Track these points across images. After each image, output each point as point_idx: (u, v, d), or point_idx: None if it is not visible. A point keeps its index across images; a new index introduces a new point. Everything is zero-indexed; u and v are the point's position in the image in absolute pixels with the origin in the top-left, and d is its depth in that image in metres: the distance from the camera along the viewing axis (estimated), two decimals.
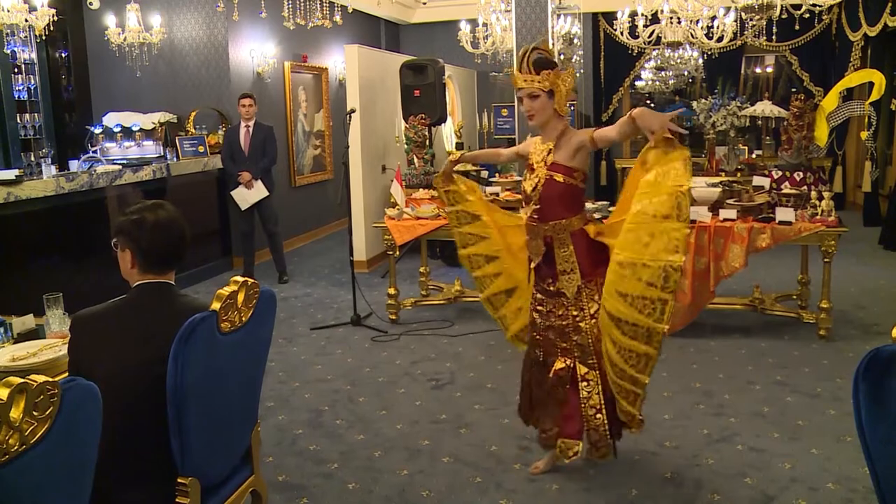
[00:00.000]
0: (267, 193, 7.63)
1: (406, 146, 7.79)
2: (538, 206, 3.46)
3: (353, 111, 6.74)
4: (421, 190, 6.67)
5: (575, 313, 3.50)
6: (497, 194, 6.35)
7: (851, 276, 7.15)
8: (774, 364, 5.13)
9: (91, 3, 7.40)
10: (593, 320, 3.46)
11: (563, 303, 3.52)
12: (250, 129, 7.61)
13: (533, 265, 3.63)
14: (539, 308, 3.62)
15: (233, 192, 7.57)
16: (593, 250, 3.47)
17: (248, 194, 7.55)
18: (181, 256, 2.51)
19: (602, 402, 3.50)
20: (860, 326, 5.84)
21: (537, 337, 3.64)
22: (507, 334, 4.08)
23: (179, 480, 2.34)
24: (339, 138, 10.48)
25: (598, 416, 3.50)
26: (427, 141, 7.61)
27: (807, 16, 6.46)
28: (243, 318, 2.46)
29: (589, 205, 6.11)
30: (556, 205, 3.43)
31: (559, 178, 3.39)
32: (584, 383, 3.51)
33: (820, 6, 6.15)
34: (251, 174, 7.51)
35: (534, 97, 3.34)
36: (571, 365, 3.53)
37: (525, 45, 3.42)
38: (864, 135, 9.55)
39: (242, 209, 7.60)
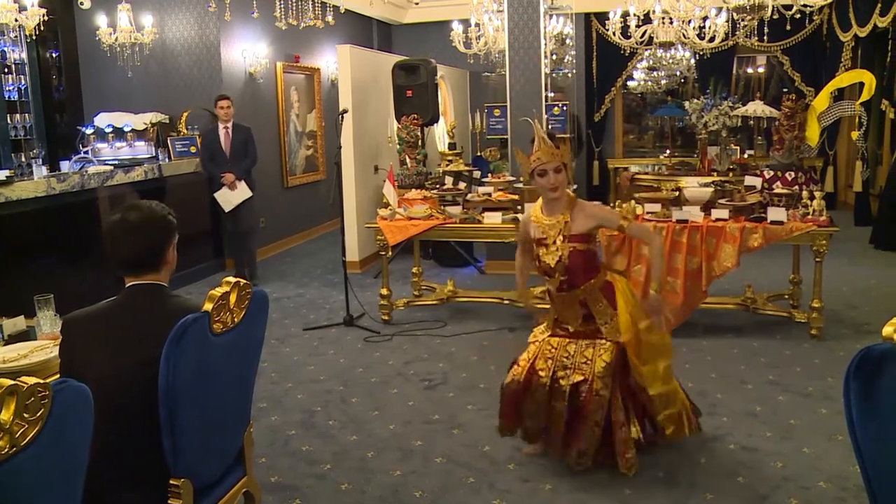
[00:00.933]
0: (250, 194, 7.60)
1: (398, 146, 7.79)
2: (565, 278, 3.64)
3: (345, 111, 6.73)
4: (413, 190, 6.67)
5: (607, 345, 3.65)
6: (489, 194, 6.35)
7: (843, 276, 7.18)
8: (766, 363, 5.15)
9: (82, 3, 7.37)
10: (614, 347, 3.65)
11: (594, 340, 3.68)
12: (230, 131, 7.57)
13: (571, 329, 3.74)
14: (555, 350, 3.72)
15: (216, 194, 7.51)
16: (613, 298, 3.69)
17: (232, 195, 7.50)
18: (141, 261, 2.44)
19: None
20: (851, 326, 5.86)
21: (559, 362, 3.68)
22: None
23: (172, 482, 2.33)
24: (331, 139, 10.48)
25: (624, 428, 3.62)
26: (419, 141, 7.63)
27: (798, 16, 6.47)
28: (235, 319, 2.46)
29: None
30: (582, 270, 3.64)
31: (581, 247, 3.61)
32: (599, 396, 3.59)
33: (811, 7, 6.17)
34: (235, 175, 7.48)
35: (559, 171, 3.56)
36: (591, 382, 3.60)
37: (534, 122, 3.71)
38: (854, 135, 9.59)
39: (226, 211, 7.55)
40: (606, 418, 3.59)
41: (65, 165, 7.22)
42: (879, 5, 8.88)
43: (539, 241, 3.70)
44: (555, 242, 3.63)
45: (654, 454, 3.86)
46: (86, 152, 7.66)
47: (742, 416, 4.32)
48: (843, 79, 7.85)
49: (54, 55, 8.81)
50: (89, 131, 7.94)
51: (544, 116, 7.76)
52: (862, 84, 6.71)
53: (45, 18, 6.63)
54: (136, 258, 2.43)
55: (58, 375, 2.41)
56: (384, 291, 6.28)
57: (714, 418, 4.30)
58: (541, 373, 3.68)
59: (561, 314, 3.77)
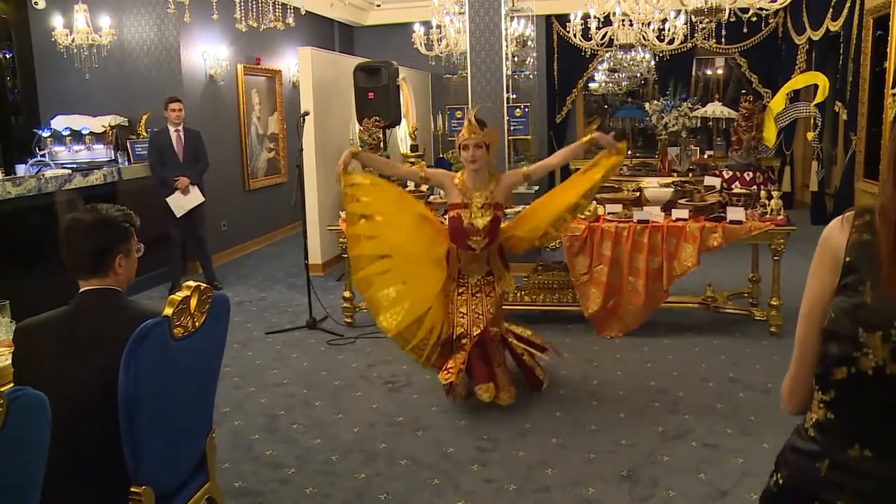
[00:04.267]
0: (203, 199, 7.46)
1: (360, 149, 7.76)
2: (488, 239, 4.39)
3: (306, 114, 6.70)
4: None
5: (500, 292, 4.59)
6: None
7: (800, 274, 7.24)
8: (727, 361, 5.22)
9: (36, 3, 7.25)
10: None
11: (493, 295, 4.52)
12: (181, 135, 7.44)
13: (473, 281, 4.52)
14: (467, 304, 4.50)
15: (169, 199, 7.31)
16: (505, 256, 4.60)
17: (185, 200, 7.35)
18: (88, 264, 2.40)
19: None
20: None
21: (473, 322, 4.46)
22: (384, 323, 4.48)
23: (133, 489, 2.30)
24: (293, 141, 10.40)
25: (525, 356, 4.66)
26: (381, 143, 7.61)
27: (754, 19, 6.58)
28: (196, 324, 2.43)
29: None
30: (496, 234, 4.44)
31: (500, 213, 4.44)
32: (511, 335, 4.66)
33: (766, 10, 6.28)
34: (189, 179, 7.37)
35: (479, 147, 4.27)
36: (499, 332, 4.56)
37: (468, 109, 4.32)
38: (810, 135, 9.77)
39: (178, 216, 7.37)
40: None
41: (20, 169, 7.08)
42: (831, 10, 9.06)
43: (458, 205, 4.37)
44: (481, 209, 4.33)
45: (616, 452, 3.90)
46: (42, 156, 7.51)
47: (703, 413, 4.38)
48: (799, 81, 8.00)
49: (8, 56, 8.65)
50: (46, 134, 7.80)
51: (505, 118, 7.79)
52: (816, 86, 6.84)
53: None
54: (82, 259, 2.40)
55: (12, 384, 2.36)
56: (347, 294, 6.26)
57: (676, 416, 4.35)
58: (458, 335, 4.46)
59: (466, 268, 4.50)
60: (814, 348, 1.54)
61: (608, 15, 8.00)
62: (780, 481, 1.57)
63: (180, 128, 7.43)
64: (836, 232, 1.49)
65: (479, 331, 4.43)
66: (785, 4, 6.20)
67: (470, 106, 7.66)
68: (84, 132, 7.85)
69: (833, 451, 1.46)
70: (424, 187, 6.85)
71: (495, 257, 4.52)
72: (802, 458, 1.53)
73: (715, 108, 9.04)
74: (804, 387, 1.60)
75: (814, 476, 1.48)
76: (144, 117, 8.42)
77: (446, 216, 4.59)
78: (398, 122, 8.70)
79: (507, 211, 5.99)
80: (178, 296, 2.35)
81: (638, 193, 6.26)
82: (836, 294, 1.43)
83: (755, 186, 6.15)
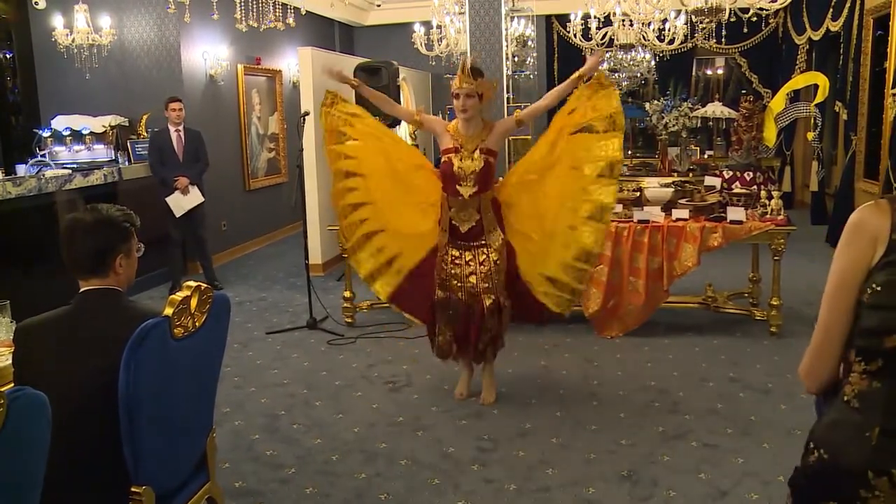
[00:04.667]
0: (203, 199, 7.46)
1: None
2: (477, 186, 4.31)
3: (307, 114, 6.70)
4: None
5: (496, 258, 4.40)
6: None
7: (800, 274, 7.30)
8: (727, 361, 5.22)
9: (37, 3, 7.24)
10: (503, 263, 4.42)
11: (485, 252, 4.41)
12: (181, 134, 7.44)
13: (463, 230, 4.40)
14: (458, 262, 4.44)
15: (168, 199, 7.31)
16: (499, 210, 4.46)
17: (184, 200, 7.35)
18: (88, 264, 2.40)
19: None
20: (809, 323, 5.91)
21: (458, 285, 4.43)
22: (361, 273, 4.74)
23: (133, 489, 2.30)
24: (293, 141, 10.40)
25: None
26: None
27: (754, 19, 6.58)
28: (197, 324, 2.43)
29: None
30: (488, 181, 4.35)
31: (491, 160, 4.33)
32: (505, 307, 4.45)
33: (766, 10, 6.28)
34: (189, 179, 7.37)
35: (470, 97, 4.23)
36: (496, 298, 4.40)
37: (464, 56, 4.18)
38: (810, 135, 9.77)
39: (177, 216, 7.36)
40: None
41: (21, 169, 7.08)
42: (831, 10, 9.06)
43: (449, 150, 4.36)
44: (472, 154, 4.30)
45: (617, 452, 3.90)
46: (43, 156, 7.51)
47: (704, 413, 4.38)
48: (799, 81, 8.00)
49: (8, 56, 8.65)
50: (46, 134, 7.80)
51: (505, 117, 7.77)
52: (817, 86, 6.84)
53: None
54: (82, 259, 2.40)
55: (12, 384, 2.36)
56: (347, 294, 6.26)
57: (676, 416, 4.35)
58: (458, 293, 4.44)
59: (456, 216, 4.40)
60: (841, 324, 1.62)
61: (608, 15, 8.00)
62: (825, 457, 1.59)
63: (180, 128, 7.42)
64: (872, 216, 1.58)
65: (461, 298, 4.42)
66: (785, 4, 6.21)
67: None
68: (84, 132, 7.84)
69: (884, 419, 1.50)
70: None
71: (487, 208, 4.40)
72: (847, 430, 1.56)
73: (715, 108, 9.03)
74: (828, 363, 1.67)
75: (864, 446, 1.51)
76: (145, 117, 8.42)
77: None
78: (398, 123, 8.68)
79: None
80: (179, 296, 2.35)
81: (638, 193, 6.26)
82: (878, 270, 1.54)
83: (755, 186, 6.15)
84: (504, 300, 4.45)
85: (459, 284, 4.43)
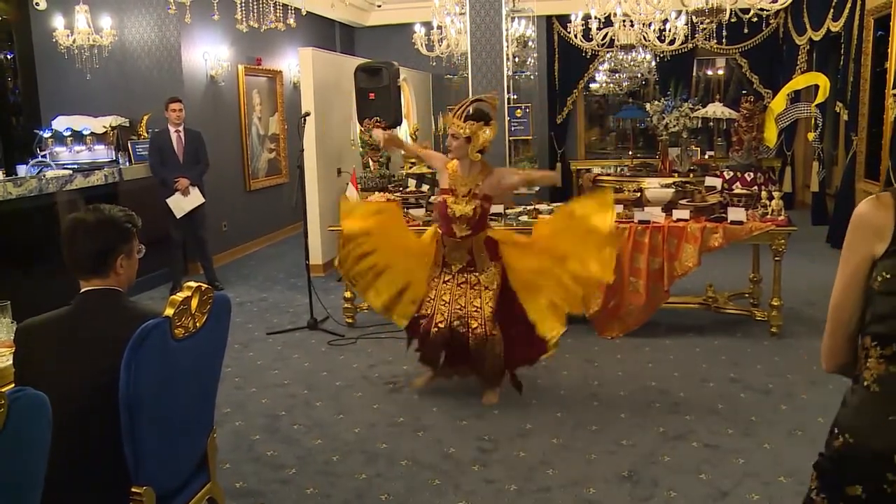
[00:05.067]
0: (203, 200, 7.46)
1: (361, 149, 7.76)
2: (471, 230, 4.46)
3: (307, 114, 6.70)
4: (376, 193, 6.65)
5: (486, 286, 4.50)
6: None
7: (801, 274, 7.30)
8: (728, 361, 5.22)
9: (37, 4, 7.24)
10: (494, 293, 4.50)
11: (476, 281, 4.51)
12: (181, 135, 7.43)
13: (455, 269, 4.55)
14: (448, 294, 4.53)
15: (169, 200, 7.30)
16: (495, 248, 4.56)
17: (185, 201, 7.34)
18: (89, 264, 2.39)
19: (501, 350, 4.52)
20: (810, 323, 5.95)
21: (446, 310, 4.50)
22: (377, 307, 4.83)
23: (133, 489, 2.30)
24: (294, 142, 10.39)
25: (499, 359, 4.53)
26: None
27: (755, 20, 6.58)
28: (197, 324, 2.43)
29: (544, 206, 6.17)
30: (481, 224, 4.51)
31: (486, 205, 4.49)
32: (492, 337, 4.45)
33: (767, 11, 6.28)
34: (189, 180, 7.36)
35: (455, 137, 4.38)
36: (483, 325, 4.46)
37: (475, 95, 4.38)
38: (811, 136, 9.77)
39: (178, 217, 7.36)
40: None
41: (21, 170, 7.08)
42: (832, 10, 9.05)
43: (445, 190, 4.51)
44: (464, 197, 4.42)
45: (617, 452, 3.90)
46: (43, 156, 7.52)
47: (704, 413, 4.37)
48: (799, 81, 7.99)
49: (9, 56, 8.65)
50: (47, 135, 7.80)
51: (506, 119, 7.79)
52: (817, 86, 6.83)
53: None
54: (83, 259, 2.39)
55: (13, 385, 2.36)
56: (348, 294, 6.26)
57: (676, 416, 4.35)
58: (440, 324, 4.49)
59: (450, 255, 4.55)
60: (851, 312, 1.71)
61: (609, 15, 7.99)
62: (851, 441, 1.62)
63: (181, 128, 7.42)
64: (874, 210, 1.66)
65: (460, 325, 4.46)
66: (786, 5, 6.20)
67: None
68: (85, 133, 7.85)
69: None
70: (426, 187, 6.86)
71: (480, 249, 4.51)
72: (870, 414, 1.61)
73: (716, 109, 9.02)
74: (842, 347, 1.76)
75: (889, 429, 1.56)
76: (145, 118, 8.43)
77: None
78: (399, 123, 8.68)
79: (509, 211, 6.01)
80: (179, 296, 2.35)
81: (639, 194, 6.26)
82: (885, 259, 1.62)
83: (756, 187, 6.15)
84: (492, 330, 4.44)
85: (447, 310, 4.52)
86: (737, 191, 6.01)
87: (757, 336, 5.69)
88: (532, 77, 10.54)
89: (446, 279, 4.58)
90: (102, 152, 7.91)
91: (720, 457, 3.83)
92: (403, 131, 9.88)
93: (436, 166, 4.70)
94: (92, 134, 7.89)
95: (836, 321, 1.77)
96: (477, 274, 4.51)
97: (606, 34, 8.66)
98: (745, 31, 7.79)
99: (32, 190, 6.33)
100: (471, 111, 4.39)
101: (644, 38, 8.69)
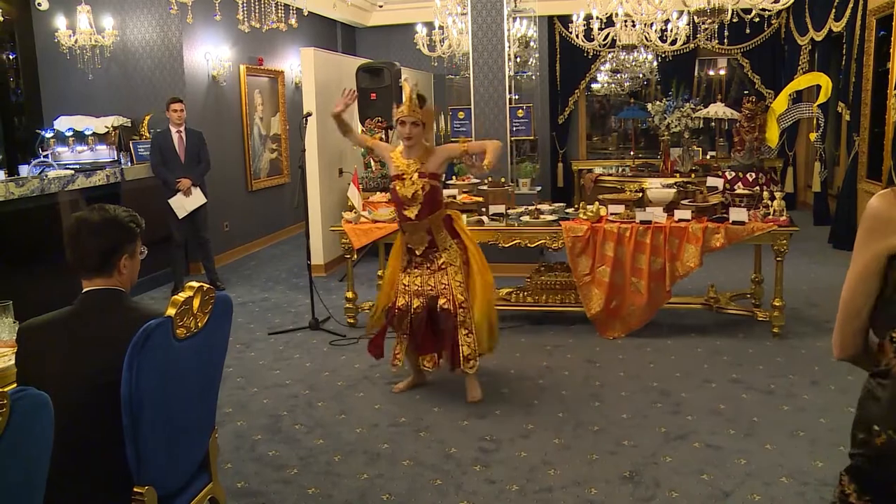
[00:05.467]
0: (205, 200, 7.46)
1: (363, 150, 7.76)
2: (421, 207, 4.51)
3: (309, 115, 6.70)
4: (378, 193, 6.67)
5: (451, 265, 4.59)
6: (454, 196, 6.36)
7: (803, 275, 7.29)
8: (730, 362, 5.21)
9: (39, 4, 7.24)
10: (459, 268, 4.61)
11: (442, 261, 4.59)
12: (183, 135, 7.42)
13: (419, 252, 4.62)
14: (417, 278, 4.62)
15: (171, 200, 7.30)
16: (451, 226, 4.68)
17: (187, 202, 7.35)
18: (93, 264, 2.40)
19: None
20: (812, 324, 5.95)
21: (417, 291, 4.61)
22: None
23: (135, 489, 2.30)
24: (295, 142, 10.43)
25: (470, 336, 4.59)
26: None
27: (756, 20, 6.57)
28: (199, 324, 2.43)
29: (545, 206, 6.17)
30: (433, 203, 4.55)
31: (434, 182, 4.54)
32: (462, 310, 4.56)
33: (769, 11, 6.27)
34: (191, 180, 7.36)
35: (415, 125, 4.47)
36: (450, 300, 4.56)
37: (410, 87, 4.52)
38: (812, 136, 9.75)
39: (180, 217, 7.36)
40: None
41: (24, 170, 7.09)
42: (834, 10, 9.05)
43: (396, 177, 4.59)
44: (411, 178, 4.49)
45: (619, 453, 3.90)
46: (45, 156, 7.52)
47: (706, 414, 4.37)
48: (801, 81, 7.96)
49: (11, 57, 8.66)
50: (49, 135, 7.81)
51: (507, 119, 7.79)
52: (819, 87, 6.81)
53: (1, 19, 6.50)
54: (87, 259, 2.39)
55: (15, 384, 2.36)
56: (349, 295, 6.26)
57: (678, 417, 4.34)
58: (401, 307, 4.63)
59: (410, 239, 4.64)
60: (862, 305, 1.76)
61: (611, 16, 8.00)
62: (894, 436, 1.63)
63: (182, 128, 7.42)
64: (887, 204, 1.69)
65: (419, 303, 4.58)
66: (787, 5, 6.19)
67: (474, 108, 7.69)
68: (87, 133, 7.86)
69: None
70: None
71: (438, 228, 4.59)
72: None
73: (717, 109, 9.02)
74: (852, 338, 1.81)
75: None
76: (147, 118, 8.44)
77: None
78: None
79: (511, 211, 6.00)
80: (181, 296, 2.35)
81: (640, 194, 6.26)
82: None
83: (758, 187, 6.14)
84: (462, 302, 4.56)
85: (419, 291, 4.62)
86: (738, 191, 6.00)
87: (759, 337, 5.68)
88: (533, 77, 10.53)
89: (411, 266, 4.67)
90: (104, 152, 7.92)
91: (722, 457, 3.83)
92: None
93: (384, 156, 4.79)
94: (94, 134, 7.90)
95: (847, 314, 1.79)
96: (439, 252, 4.60)
97: (608, 34, 8.66)
98: (747, 31, 7.78)
99: (34, 190, 6.33)
100: (418, 98, 4.51)
101: (646, 38, 8.69)
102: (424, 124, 4.52)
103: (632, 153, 11.34)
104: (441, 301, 4.56)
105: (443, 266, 4.58)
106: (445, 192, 6.53)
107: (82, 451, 2.30)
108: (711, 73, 12.67)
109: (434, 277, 4.60)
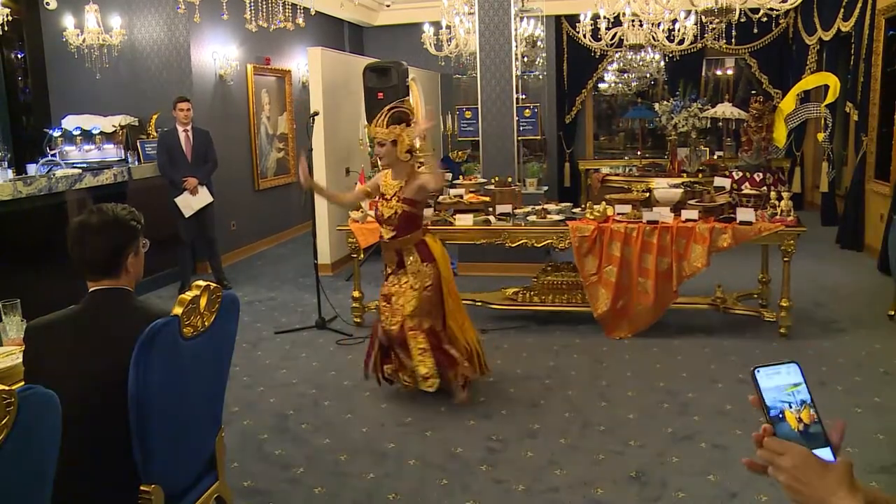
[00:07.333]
0: (211, 199, 7.47)
1: (370, 149, 7.77)
2: (395, 230, 4.56)
3: (316, 114, 6.70)
4: None
5: (413, 285, 4.56)
6: (461, 196, 6.36)
7: (810, 275, 7.27)
8: (737, 362, 5.20)
9: (48, 4, 7.26)
10: (428, 292, 4.58)
11: (405, 286, 4.58)
12: (190, 134, 7.43)
13: (389, 270, 4.70)
14: (387, 290, 4.67)
15: (177, 199, 7.31)
16: (425, 249, 4.61)
17: (193, 201, 7.35)
18: (100, 265, 2.40)
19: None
20: (820, 324, 5.93)
21: (385, 307, 4.66)
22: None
23: (142, 488, 2.31)
24: (302, 141, 10.43)
25: (424, 355, 4.56)
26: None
27: (764, 20, 6.54)
28: (206, 323, 2.44)
29: (552, 206, 6.16)
30: (407, 227, 4.57)
31: (406, 208, 4.51)
32: (412, 332, 4.56)
33: (777, 10, 6.25)
34: (198, 179, 7.37)
35: (381, 144, 4.48)
36: (401, 323, 4.58)
37: (390, 105, 4.55)
38: (820, 136, 9.72)
39: (186, 216, 7.36)
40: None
41: (31, 168, 7.11)
42: (842, 10, 9.01)
43: (381, 196, 4.63)
44: (389, 201, 4.54)
45: (625, 453, 3.89)
46: (53, 155, 7.54)
47: (713, 414, 4.36)
48: (809, 81, 7.95)
49: (19, 56, 8.68)
50: (56, 134, 7.83)
51: (514, 118, 7.79)
52: (827, 87, 6.79)
53: (10, 19, 6.52)
54: (95, 261, 2.40)
55: (23, 383, 2.37)
56: (356, 294, 6.26)
57: (685, 417, 4.34)
58: (383, 325, 4.69)
59: (383, 256, 4.76)
60: None
61: (618, 15, 7.98)
62: None
63: (189, 128, 7.43)
64: None
65: (391, 324, 4.61)
66: (796, 4, 6.17)
67: (481, 108, 7.70)
68: (95, 132, 7.87)
69: None
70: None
71: (409, 251, 4.59)
72: None
73: (725, 109, 9.01)
74: None
75: None
76: (154, 117, 8.46)
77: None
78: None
79: (518, 211, 5.99)
80: (188, 295, 2.35)
81: (647, 194, 6.24)
82: None
83: (765, 187, 6.13)
84: (410, 328, 4.54)
85: (386, 307, 4.69)
86: (746, 191, 5.99)
87: (766, 337, 5.67)
88: (541, 77, 10.51)
89: (385, 280, 4.74)
90: (112, 151, 7.93)
91: (729, 458, 3.82)
92: None
93: (379, 185, 4.70)
94: (101, 133, 7.92)
95: None
96: (407, 275, 4.59)
97: (615, 34, 8.64)
98: (755, 30, 7.75)
99: (42, 189, 6.36)
100: (391, 117, 4.50)
101: (653, 37, 8.67)
102: (396, 142, 4.46)
103: (639, 153, 11.32)
104: (392, 322, 4.61)
105: (403, 287, 4.59)
106: (452, 191, 6.55)
107: (89, 449, 2.30)
108: (719, 72, 12.64)
109: (395, 296, 4.61)
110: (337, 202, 5.42)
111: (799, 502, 1.12)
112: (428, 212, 6.18)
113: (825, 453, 1.14)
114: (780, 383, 1.19)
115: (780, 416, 1.17)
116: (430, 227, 4.99)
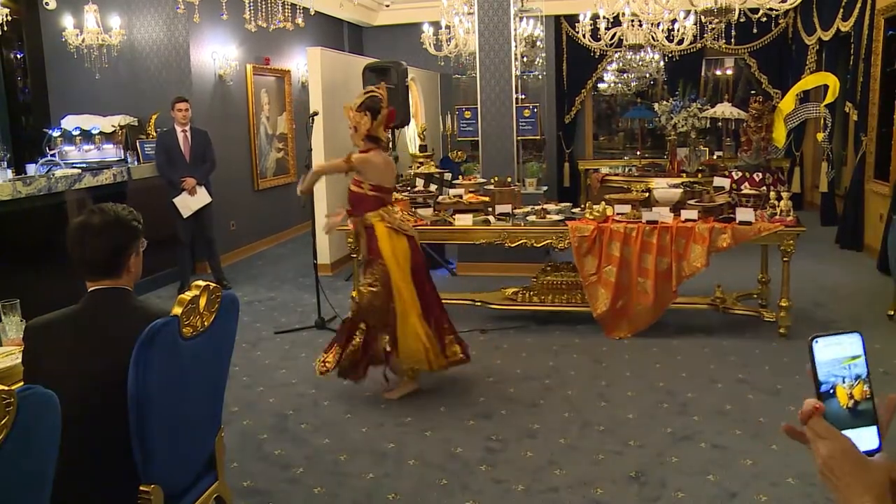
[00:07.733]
0: (210, 199, 7.46)
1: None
2: (350, 205, 4.81)
3: (315, 114, 6.70)
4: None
5: (363, 288, 4.67)
6: (460, 196, 6.36)
7: (810, 275, 7.27)
8: (736, 362, 5.20)
9: (47, 4, 7.25)
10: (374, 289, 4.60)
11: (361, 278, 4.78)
12: (188, 135, 7.43)
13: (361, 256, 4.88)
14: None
15: (175, 200, 7.30)
16: (374, 243, 4.61)
17: (192, 201, 7.35)
18: (101, 265, 2.40)
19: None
20: (819, 324, 5.93)
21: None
22: None
23: (142, 488, 2.31)
24: (302, 141, 10.43)
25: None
26: (390, 143, 7.59)
27: (764, 20, 6.55)
28: (205, 323, 2.44)
29: (552, 206, 6.16)
30: (356, 205, 4.73)
31: (353, 187, 4.73)
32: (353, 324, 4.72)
33: (776, 10, 6.25)
34: (196, 180, 7.37)
35: (349, 127, 4.73)
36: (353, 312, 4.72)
37: (368, 88, 4.81)
38: (820, 136, 9.72)
39: (185, 217, 7.35)
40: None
41: (31, 168, 7.10)
42: (842, 10, 9.02)
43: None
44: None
45: (625, 453, 3.89)
46: (52, 155, 7.54)
47: (712, 414, 4.36)
48: (808, 81, 7.95)
49: (19, 56, 8.68)
50: (56, 134, 7.83)
51: (514, 118, 7.79)
52: (826, 87, 6.80)
53: (9, 18, 6.52)
54: (96, 261, 2.39)
55: (22, 383, 2.37)
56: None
57: (684, 417, 4.34)
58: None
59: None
60: None
61: (617, 15, 7.99)
62: None
63: (187, 128, 7.43)
64: None
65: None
66: (795, 4, 6.17)
67: (480, 108, 7.71)
68: (94, 132, 7.87)
69: None
70: (434, 187, 6.86)
71: (360, 234, 4.75)
72: None
73: (724, 109, 9.01)
74: None
75: None
76: (154, 117, 8.45)
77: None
78: (407, 123, 8.69)
79: (517, 211, 6.00)
80: (188, 295, 2.35)
81: (647, 194, 6.25)
82: None
83: (765, 187, 6.12)
84: (357, 319, 4.66)
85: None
86: (745, 191, 5.99)
87: (765, 337, 5.67)
88: (540, 77, 10.52)
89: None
90: (111, 151, 7.93)
91: (728, 458, 3.82)
92: (412, 131, 9.90)
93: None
94: (101, 133, 7.91)
95: None
96: (364, 265, 4.76)
97: (615, 34, 8.64)
98: (754, 30, 7.76)
99: (42, 189, 6.35)
100: (360, 103, 4.70)
101: (652, 37, 8.67)
102: (356, 128, 4.66)
103: (638, 153, 11.32)
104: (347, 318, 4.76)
105: (364, 279, 4.72)
106: (452, 191, 6.56)
107: (89, 449, 2.30)
108: (718, 72, 12.65)
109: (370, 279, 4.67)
110: (329, 173, 5.48)
111: (826, 485, 1.12)
112: (427, 212, 6.19)
113: (870, 432, 1.12)
114: (838, 355, 1.16)
115: (832, 391, 1.15)
116: (419, 225, 5.20)
